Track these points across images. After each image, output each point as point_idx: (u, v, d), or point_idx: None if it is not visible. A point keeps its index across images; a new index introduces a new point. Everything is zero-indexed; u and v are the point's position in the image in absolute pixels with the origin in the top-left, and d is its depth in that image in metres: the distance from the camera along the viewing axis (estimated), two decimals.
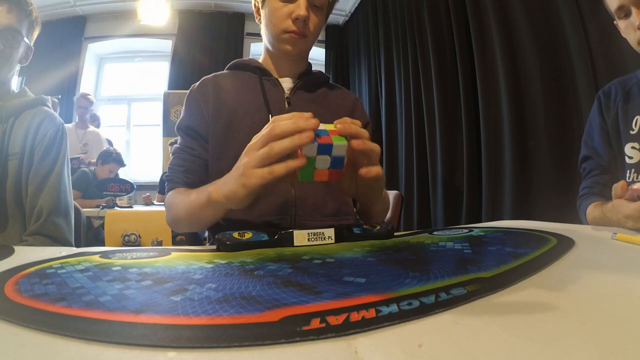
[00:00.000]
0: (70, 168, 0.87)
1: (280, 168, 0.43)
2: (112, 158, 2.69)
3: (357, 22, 3.80)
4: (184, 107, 0.76)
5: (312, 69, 0.82)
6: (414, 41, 2.55)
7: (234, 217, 0.70)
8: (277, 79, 0.76)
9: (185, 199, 0.64)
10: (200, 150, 0.73)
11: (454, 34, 2.15)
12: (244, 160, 0.47)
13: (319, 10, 0.72)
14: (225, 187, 0.49)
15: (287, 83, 0.77)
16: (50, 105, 0.86)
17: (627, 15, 0.73)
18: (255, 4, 0.76)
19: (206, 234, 0.82)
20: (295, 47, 0.72)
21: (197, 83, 0.77)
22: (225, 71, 0.80)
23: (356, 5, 3.80)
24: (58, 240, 0.77)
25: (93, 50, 4.16)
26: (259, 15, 0.76)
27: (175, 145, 0.75)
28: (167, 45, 4.16)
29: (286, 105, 0.74)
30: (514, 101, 1.72)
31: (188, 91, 0.77)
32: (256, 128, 0.71)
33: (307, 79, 0.78)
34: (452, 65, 2.21)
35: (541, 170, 1.60)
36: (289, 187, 0.73)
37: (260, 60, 0.79)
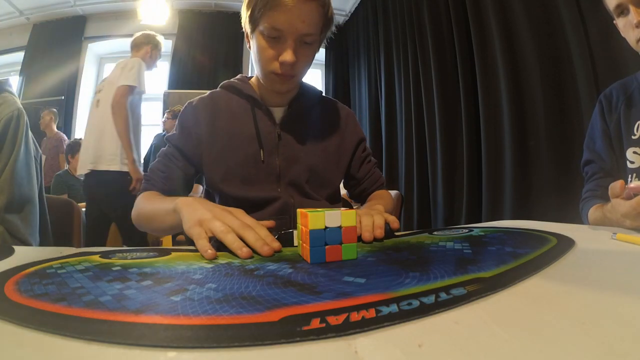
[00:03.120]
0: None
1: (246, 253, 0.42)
2: None
3: (357, 22, 3.80)
4: (177, 124, 0.77)
5: (304, 83, 0.81)
6: (414, 41, 2.55)
7: None
8: (268, 108, 0.75)
9: (153, 202, 0.66)
10: (184, 165, 0.75)
11: (454, 34, 2.15)
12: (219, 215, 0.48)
13: (309, 46, 0.67)
14: (190, 213, 0.51)
15: (278, 112, 0.76)
16: (12, 90, 0.79)
17: (626, 13, 0.73)
18: (245, 30, 0.72)
19: None
20: (284, 86, 0.71)
21: (194, 101, 0.77)
22: (219, 90, 0.79)
23: (356, 5, 3.80)
24: (14, 236, 0.73)
25: (93, 50, 4.17)
26: (249, 42, 0.72)
27: (162, 149, 0.76)
28: (167, 45, 4.16)
29: (277, 140, 0.74)
30: (514, 101, 1.72)
31: (183, 106, 0.78)
32: (249, 160, 0.73)
33: (297, 105, 0.77)
34: (452, 65, 2.21)
35: (541, 170, 1.60)
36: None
37: (254, 80, 0.79)
